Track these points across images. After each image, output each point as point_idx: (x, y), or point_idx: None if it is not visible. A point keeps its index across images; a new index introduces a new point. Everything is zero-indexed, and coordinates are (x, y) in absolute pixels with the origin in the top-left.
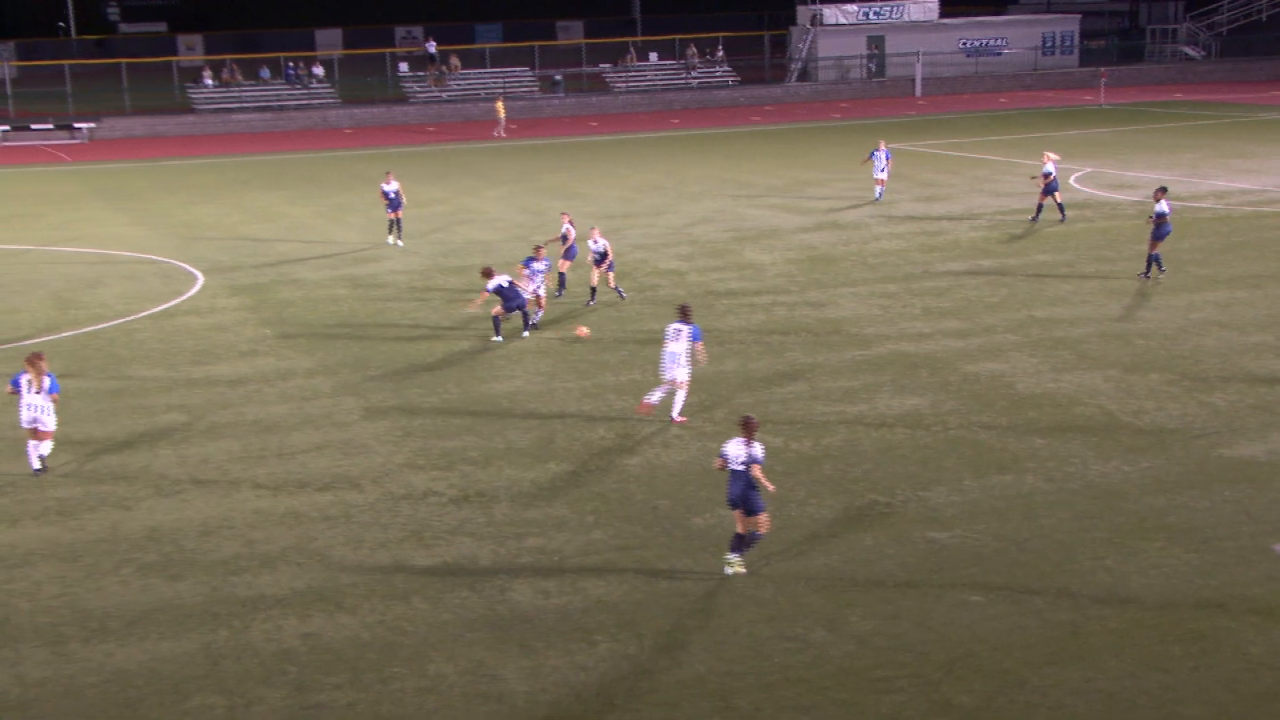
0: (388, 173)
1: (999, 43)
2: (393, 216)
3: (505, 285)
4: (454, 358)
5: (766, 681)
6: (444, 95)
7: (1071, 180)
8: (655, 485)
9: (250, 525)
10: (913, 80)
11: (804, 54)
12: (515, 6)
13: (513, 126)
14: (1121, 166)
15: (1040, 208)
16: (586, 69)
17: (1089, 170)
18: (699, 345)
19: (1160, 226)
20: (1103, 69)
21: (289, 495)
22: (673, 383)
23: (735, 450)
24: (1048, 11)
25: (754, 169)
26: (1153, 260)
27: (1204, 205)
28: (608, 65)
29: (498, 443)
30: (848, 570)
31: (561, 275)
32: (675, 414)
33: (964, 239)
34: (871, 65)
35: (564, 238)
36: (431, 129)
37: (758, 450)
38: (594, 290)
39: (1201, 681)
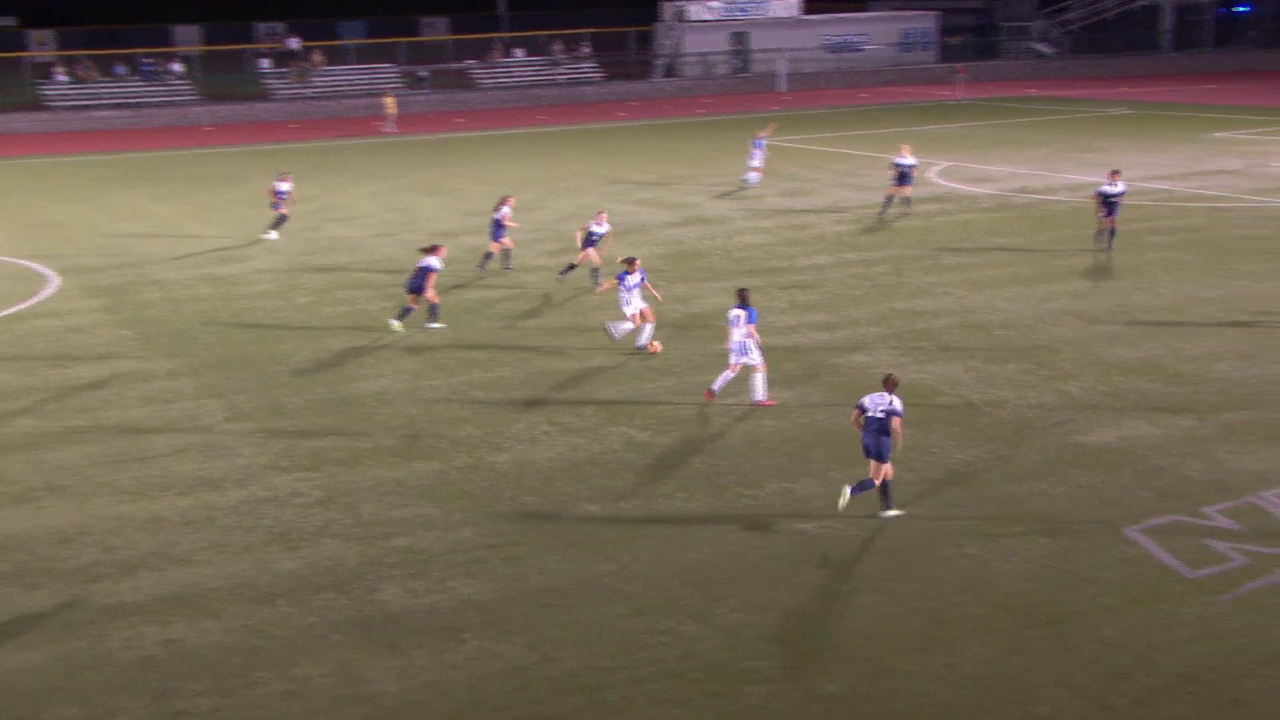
0: (285, 173)
1: (860, 39)
2: (278, 214)
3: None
4: (320, 357)
5: (637, 675)
6: (308, 92)
7: (931, 174)
8: (523, 482)
9: (109, 531)
10: (777, 76)
11: (670, 50)
12: (379, 3)
13: (379, 123)
14: (979, 160)
15: (889, 200)
16: (453, 65)
17: (948, 164)
18: (752, 327)
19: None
20: (960, 65)
21: (150, 500)
22: (744, 368)
23: (874, 401)
24: (907, 8)
25: (622, 165)
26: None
27: (1058, 198)
28: (474, 61)
29: (364, 442)
30: (716, 563)
31: (489, 254)
32: (758, 397)
33: (828, 233)
34: (736, 61)
35: (497, 222)
36: (295, 126)
37: (897, 403)
38: (595, 270)
39: (1059, 664)
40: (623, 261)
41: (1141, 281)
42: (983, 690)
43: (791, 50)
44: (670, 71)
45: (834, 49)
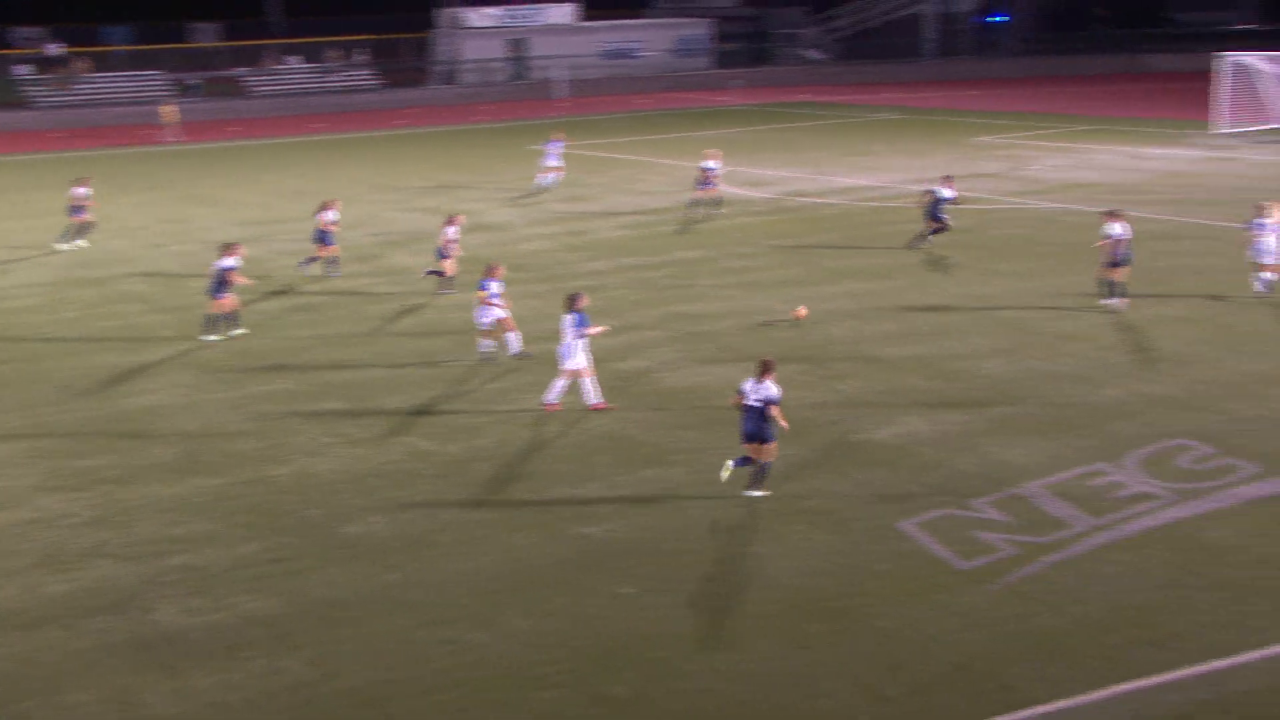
0: (82, 178)
1: (637, 46)
2: (77, 221)
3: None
4: (91, 373)
5: (425, 687)
6: (72, 100)
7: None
8: (307, 495)
9: None
10: (555, 83)
11: (447, 57)
12: (145, 7)
13: (157, 131)
14: (755, 164)
15: (694, 203)
16: (224, 73)
17: (725, 169)
18: (587, 330)
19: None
20: (735, 71)
21: None
22: (574, 373)
23: (752, 388)
24: (681, 15)
25: (400, 172)
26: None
27: (831, 201)
28: (246, 69)
29: (139, 459)
30: (503, 570)
31: (314, 259)
32: (590, 401)
33: (609, 238)
34: (514, 68)
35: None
36: (60, 135)
37: (774, 390)
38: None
39: (840, 656)
40: (487, 270)
41: (913, 281)
42: (768, 686)
43: (570, 57)
44: (449, 79)
45: (612, 56)
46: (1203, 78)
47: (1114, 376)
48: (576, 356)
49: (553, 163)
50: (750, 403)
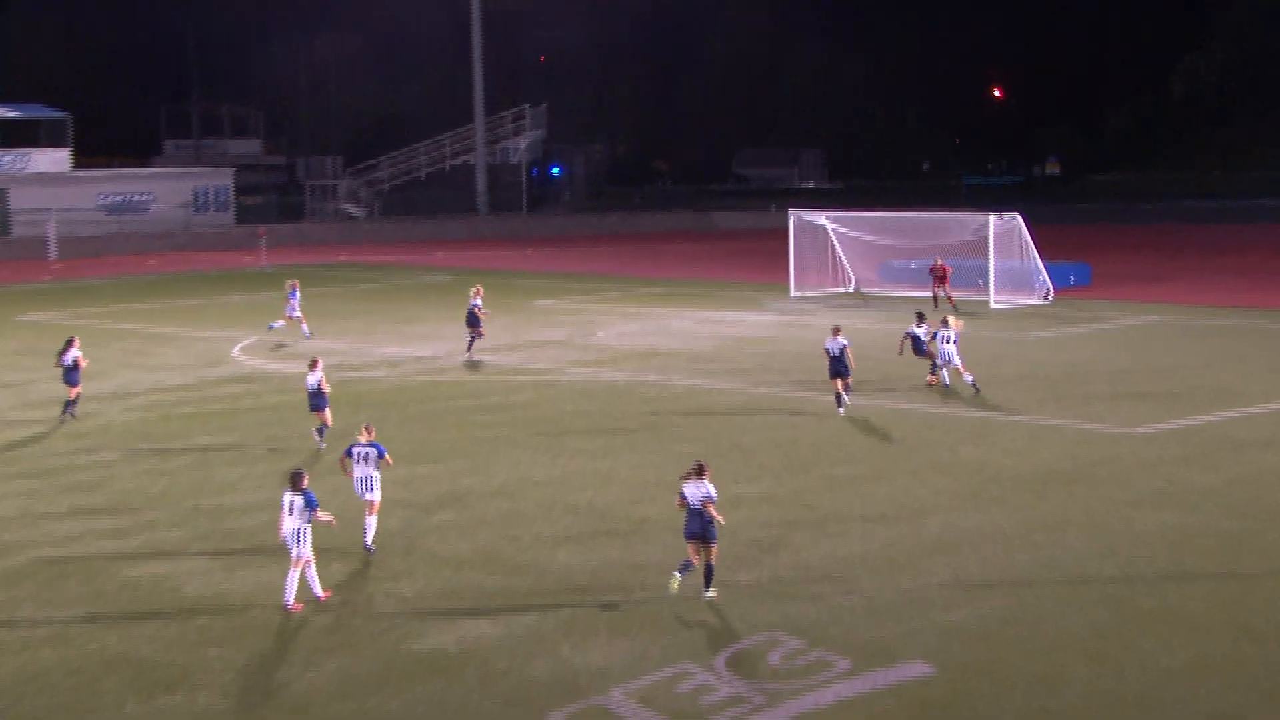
0: None
1: (145, 198)
2: None
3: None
4: None
5: None
6: None
7: (234, 352)
8: None
9: None
10: (45, 241)
11: None
12: None
13: None
14: (288, 335)
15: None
16: None
17: (251, 340)
18: (318, 514)
19: (916, 345)
20: (261, 227)
21: None
22: (307, 562)
23: (692, 490)
24: (198, 164)
25: None
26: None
27: (379, 375)
28: None
29: None
30: None
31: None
32: (318, 592)
33: (118, 421)
34: None
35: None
36: None
37: (711, 489)
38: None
39: None
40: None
41: (473, 464)
42: None
43: (62, 211)
44: None
45: (114, 210)
46: (772, 236)
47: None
48: (305, 545)
49: (295, 314)
50: (693, 505)
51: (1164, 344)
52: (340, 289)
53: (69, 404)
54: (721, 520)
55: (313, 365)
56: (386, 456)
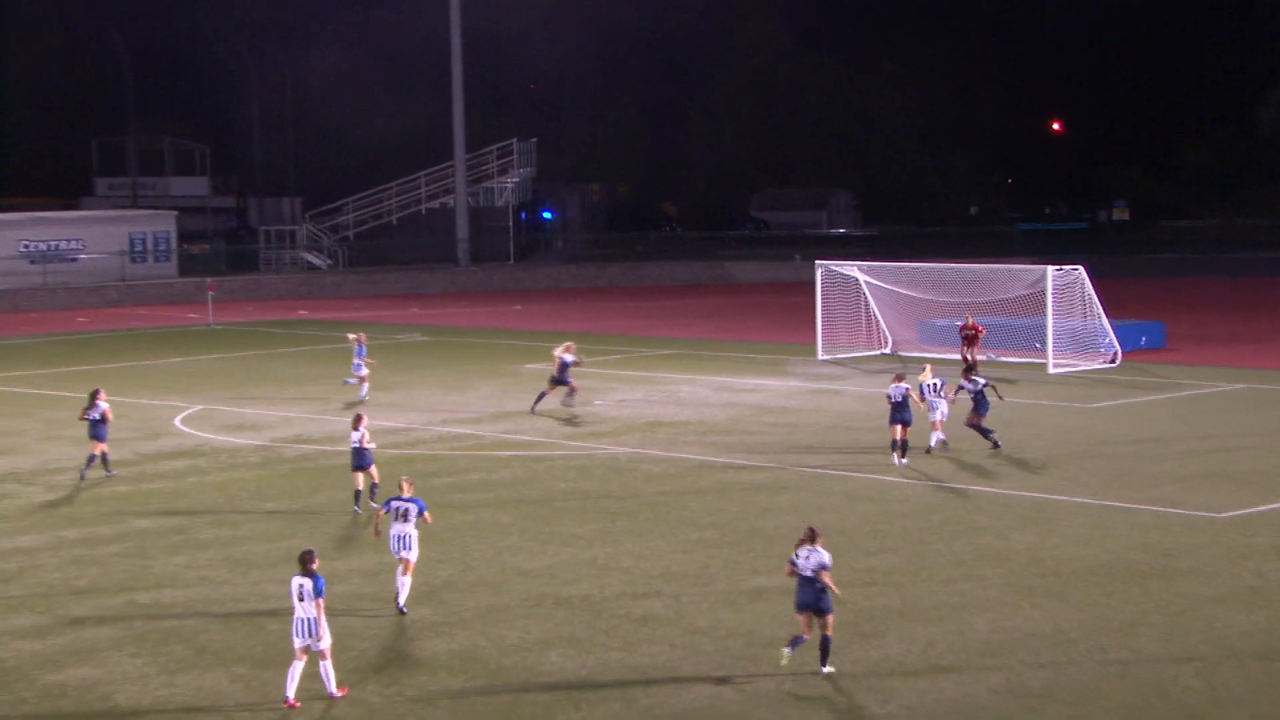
0: None
1: (74, 246)
2: None
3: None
4: None
5: None
6: None
7: (176, 421)
8: None
9: None
10: None
11: None
12: None
13: None
14: (239, 402)
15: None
16: None
17: (198, 408)
18: (319, 601)
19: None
20: (210, 280)
21: None
22: (321, 653)
23: (804, 557)
24: (135, 206)
25: None
26: (986, 432)
27: (342, 449)
28: None
29: None
30: None
31: (93, 456)
32: (333, 690)
33: (39, 502)
34: None
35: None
36: None
37: (826, 556)
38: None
39: None
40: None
41: (450, 552)
42: None
43: None
44: None
45: (39, 259)
46: (797, 290)
47: (709, 666)
48: (318, 635)
49: (361, 372)
50: (805, 573)
51: (1250, 415)
52: (300, 350)
53: (92, 459)
54: (837, 590)
55: (356, 422)
56: (426, 514)
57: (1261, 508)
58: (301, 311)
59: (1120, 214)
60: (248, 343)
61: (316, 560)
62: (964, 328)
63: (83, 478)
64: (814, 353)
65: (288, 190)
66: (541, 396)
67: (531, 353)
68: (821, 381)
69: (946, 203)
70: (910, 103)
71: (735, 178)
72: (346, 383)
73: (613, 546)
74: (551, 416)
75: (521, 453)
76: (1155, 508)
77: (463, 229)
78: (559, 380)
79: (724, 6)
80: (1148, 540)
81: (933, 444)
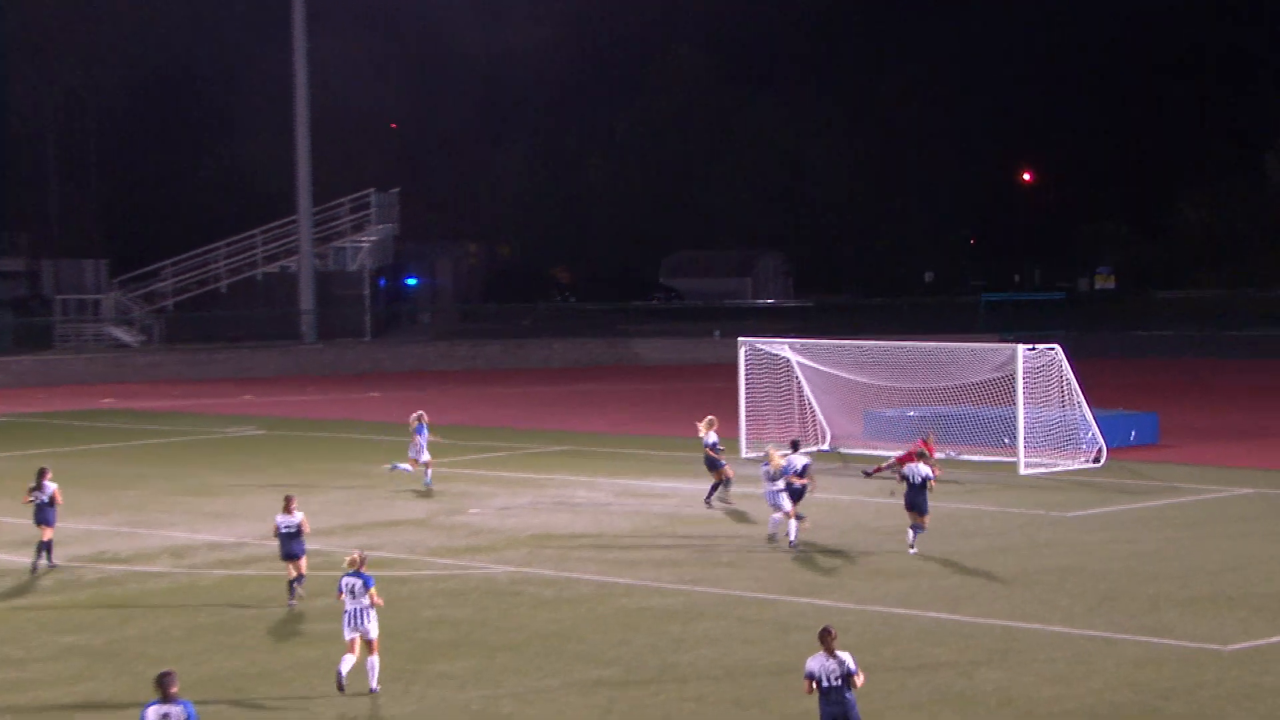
0: None
1: None
2: None
3: None
4: None
5: None
6: None
7: None
8: None
9: None
10: None
11: None
12: None
13: None
14: (11, 513)
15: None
16: None
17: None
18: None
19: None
20: None
21: None
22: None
23: (821, 666)
24: None
25: None
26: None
27: (157, 569)
28: None
29: None
30: None
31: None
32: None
33: None
34: None
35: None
36: None
37: (850, 661)
38: None
39: None
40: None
41: (291, 698)
42: None
43: None
44: None
45: None
46: (716, 373)
47: None
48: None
49: (424, 456)
50: (828, 683)
51: (1260, 526)
52: (105, 446)
53: (43, 547)
54: (860, 679)
55: (288, 504)
56: (372, 590)
57: (1274, 639)
58: (107, 400)
59: (1104, 282)
60: (38, 438)
61: (175, 685)
62: (915, 448)
63: (34, 569)
64: (737, 449)
65: (91, 251)
66: (714, 489)
67: (392, 450)
68: (745, 484)
69: (896, 268)
70: (854, 148)
71: (643, 237)
72: (395, 468)
73: (491, 689)
74: (425, 526)
75: (380, 572)
76: (1147, 638)
77: (307, 298)
78: (711, 464)
79: (639, 29)
80: (1138, 678)
81: (792, 536)
